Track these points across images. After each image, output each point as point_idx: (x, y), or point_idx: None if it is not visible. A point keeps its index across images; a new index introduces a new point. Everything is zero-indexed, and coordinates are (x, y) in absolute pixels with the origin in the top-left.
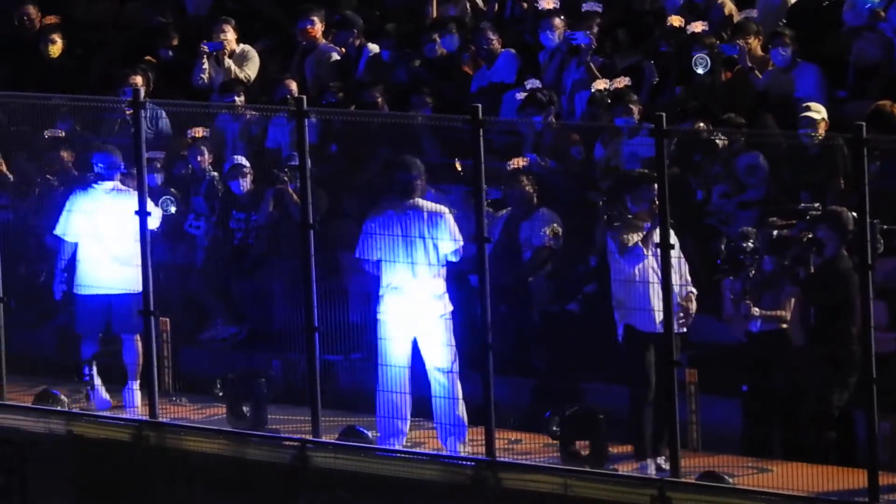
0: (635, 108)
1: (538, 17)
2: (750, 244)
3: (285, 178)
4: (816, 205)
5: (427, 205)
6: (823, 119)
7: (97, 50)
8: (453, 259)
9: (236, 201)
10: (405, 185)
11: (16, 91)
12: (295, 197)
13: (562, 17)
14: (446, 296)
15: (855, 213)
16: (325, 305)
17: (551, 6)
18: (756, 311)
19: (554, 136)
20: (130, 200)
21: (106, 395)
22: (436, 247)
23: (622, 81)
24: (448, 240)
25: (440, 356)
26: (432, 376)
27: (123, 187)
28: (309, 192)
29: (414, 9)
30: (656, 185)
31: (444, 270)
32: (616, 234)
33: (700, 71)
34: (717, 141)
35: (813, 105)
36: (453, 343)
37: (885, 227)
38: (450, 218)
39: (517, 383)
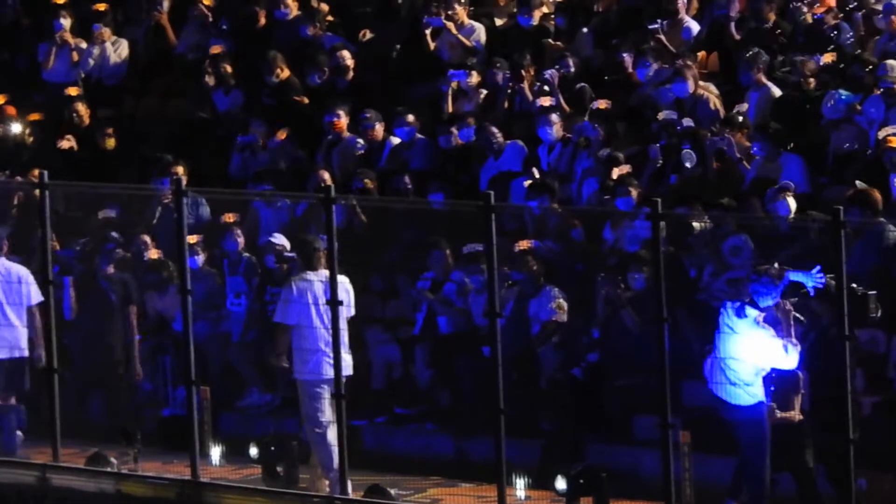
0: (635, 192)
1: (537, 114)
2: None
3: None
4: (830, 275)
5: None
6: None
7: (144, 142)
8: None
9: (272, 277)
10: (309, 258)
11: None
12: None
13: (558, 114)
14: (350, 355)
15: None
16: (352, 374)
17: (548, 104)
18: (778, 413)
19: (557, 220)
20: (17, 271)
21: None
22: (346, 311)
23: (623, 169)
24: (351, 305)
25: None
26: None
27: (7, 261)
28: (336, 271)
29: (433, 103)
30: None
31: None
32: (745, 308)
33: (688, 165)
34: (695, 224)
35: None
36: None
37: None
38: (350, 286)
39: (526, 444)
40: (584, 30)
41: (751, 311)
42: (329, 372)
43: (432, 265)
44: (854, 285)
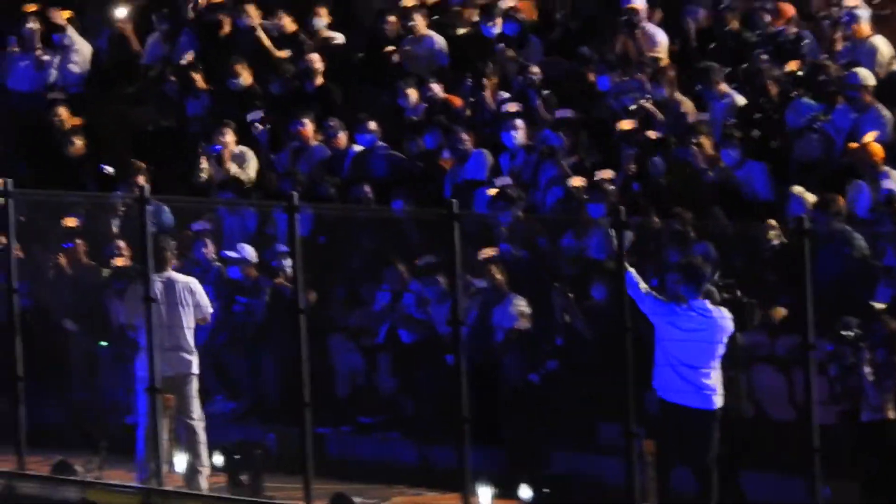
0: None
1: (502, 120)
2: (851, 333)
3: (284, 272)
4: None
5: (180, 276)
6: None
7: (109, 149)
8: (203, 323)
9: (240, 287)
10: (159, 259)
11: (37, 188)
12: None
13: (522, 120)
14: (196, 355)
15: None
16: (316, 383)
17: (513, 110)
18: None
19: (523, 228)
20: None
21: None
22: (190, 312)
23: (606, 174)
24: (202, 305)
25: (192, 408)
26: (183, 425)
27: None
28: (301, 280)
29: (397, 110)
30: None
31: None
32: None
33: (656, 175)
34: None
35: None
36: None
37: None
38: (200, 288)
39: (491, 452)
40: (533, 39)
41: (697, 302)
42: (159, 371)
43: (388, 280)
44: (738, 293)
